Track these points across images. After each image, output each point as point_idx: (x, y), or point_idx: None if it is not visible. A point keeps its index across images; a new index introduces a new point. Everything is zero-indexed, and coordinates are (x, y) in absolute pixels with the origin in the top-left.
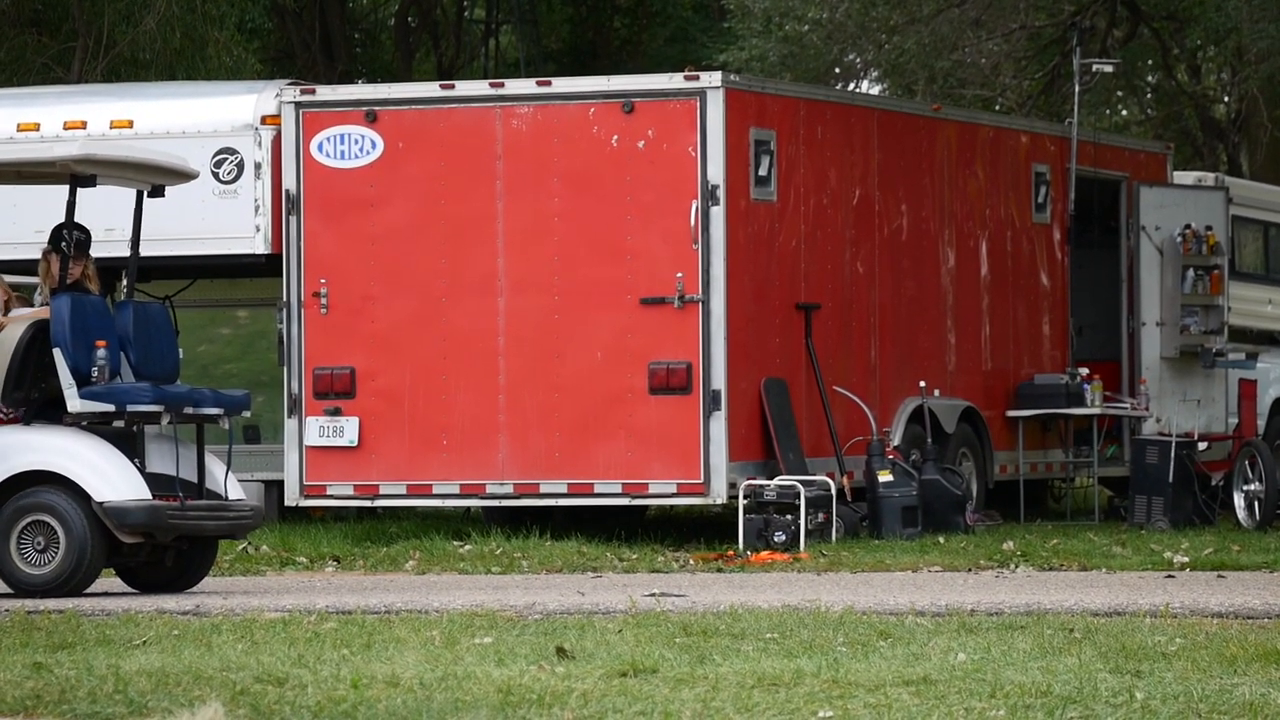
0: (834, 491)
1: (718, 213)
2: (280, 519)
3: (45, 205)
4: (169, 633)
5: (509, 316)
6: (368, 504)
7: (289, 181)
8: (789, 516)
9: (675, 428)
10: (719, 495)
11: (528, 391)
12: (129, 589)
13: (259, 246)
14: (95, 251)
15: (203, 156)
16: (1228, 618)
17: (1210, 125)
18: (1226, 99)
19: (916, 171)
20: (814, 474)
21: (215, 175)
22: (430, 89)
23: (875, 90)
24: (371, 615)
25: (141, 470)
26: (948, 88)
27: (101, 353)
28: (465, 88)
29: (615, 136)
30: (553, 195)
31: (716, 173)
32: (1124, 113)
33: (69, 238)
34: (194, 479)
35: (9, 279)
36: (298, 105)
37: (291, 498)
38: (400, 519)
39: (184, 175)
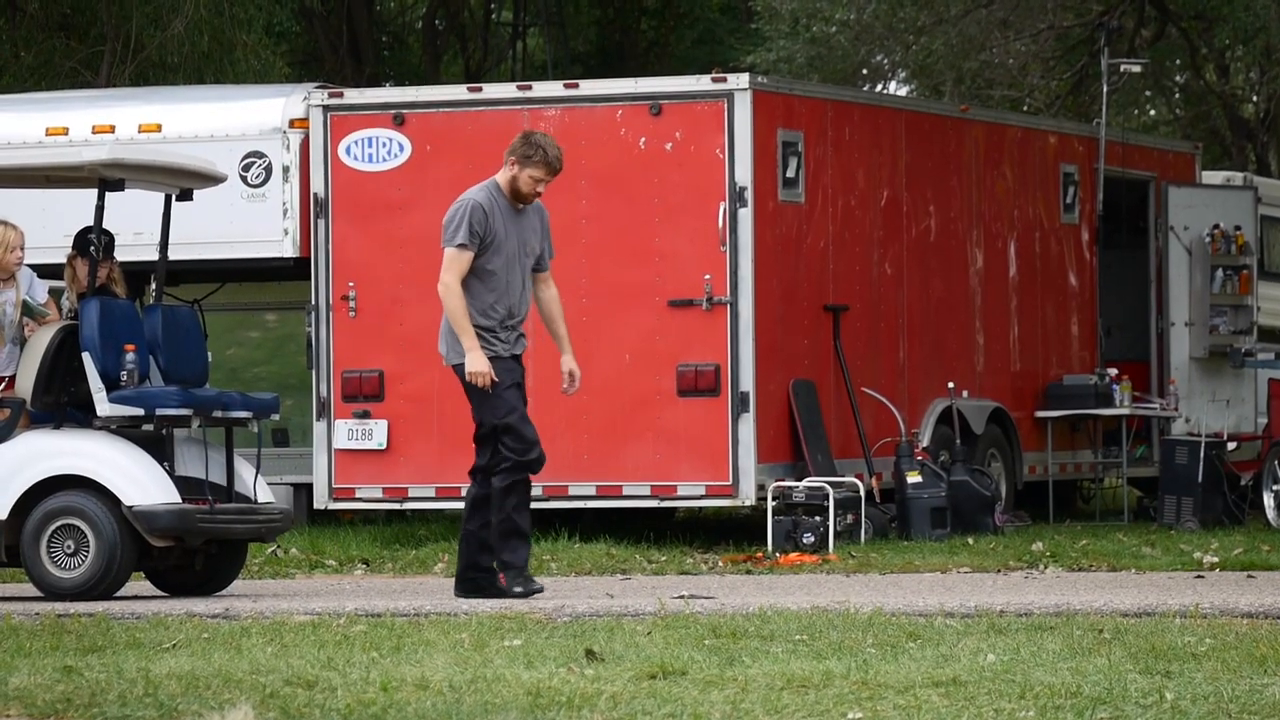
0: (863, 493)
1: (745, 214)
2: (309, 522)
3: (73, 209)
4: (199, 636)
5: (536, 318)
6: (397, 507)
7: (317, 185)
8: (817, 518)
9: (704, 430)
10: (747, 497)
11: (556, 393)
12: (159, 592)
13: (287, 250)
14: (124, 255)
15: (231, 160)
16: (1258, 618)
17: (1239, 125)
18: (1255, 98)
19: (944, 172)
20: (842, 475)
21: (243, 179)
22: (458, 92)
23: (903, 91)
24: (401, 618)
25: (171, 474)
26: (975, 88)
27: (130, 356)
28: (493, 90)
29: (643, 139)
30: (580, 198)
31: (744, 174)
32: (1152, 112)
33: (97, 242)
34: (223, 482)
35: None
36: (325, 108)
37: (320, 501)
38: (429, 521)
39: (212, 179)
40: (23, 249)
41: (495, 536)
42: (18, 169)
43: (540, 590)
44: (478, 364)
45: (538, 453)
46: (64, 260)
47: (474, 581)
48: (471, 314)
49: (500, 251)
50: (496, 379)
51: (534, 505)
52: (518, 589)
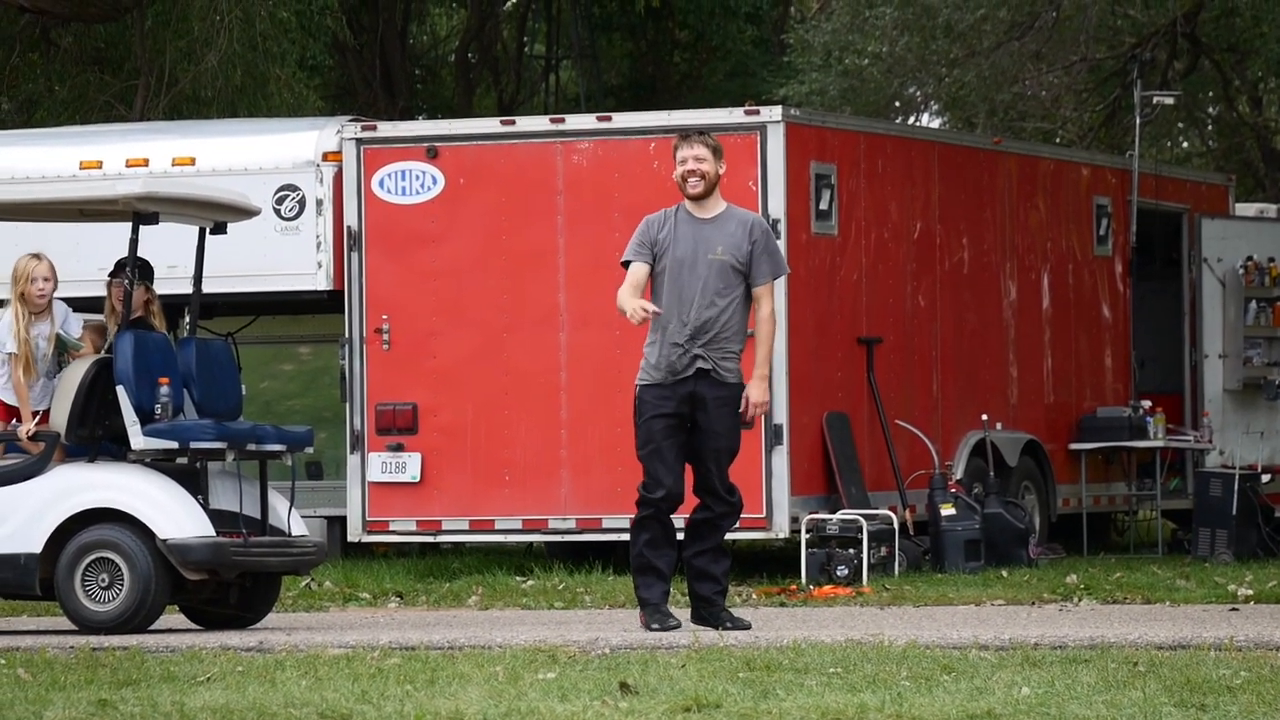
0: (896, 525)
1: (779, 246)
2: (343, 555)
3: (108, 243)
4: (233, 669)
5: (570, 351)
6: (430, 540)
7: (350, 218)
8: (851, 550)
9: (737, 462)
10: (781, 529)
11: (590, 426)
12: (193, 625)
13: (321, 283)
14: (158, 288)
15: (265, 193)
16: None
17: (1272, 157)
18: None
19: (977, 205)
20: (876, 508)
21: (277, 212)
22: (491, 125)
23: (935, 124)
24: (435, 651)
25: (205, 507)
26: (1008, 121)
27: (165, 390)
28: (526, 123)
29: None
30: (614, 230)
31: (777, 207)
32: (1185, 145)
33: (131, 274)
34: (257, 515)
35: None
36: (359, 141)
37: (354, 534)
38: (463, 554)
39: (246, 212)
40: (53, 281)
41: (632, 569)
42: (52, 202)
43: (677, 626)
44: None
45: (663, 493)
46: (99, 293)
47: (696, 611)
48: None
49: (663, 259)
50: (647, 311)
51: (568, 538)
52: (654, 625)
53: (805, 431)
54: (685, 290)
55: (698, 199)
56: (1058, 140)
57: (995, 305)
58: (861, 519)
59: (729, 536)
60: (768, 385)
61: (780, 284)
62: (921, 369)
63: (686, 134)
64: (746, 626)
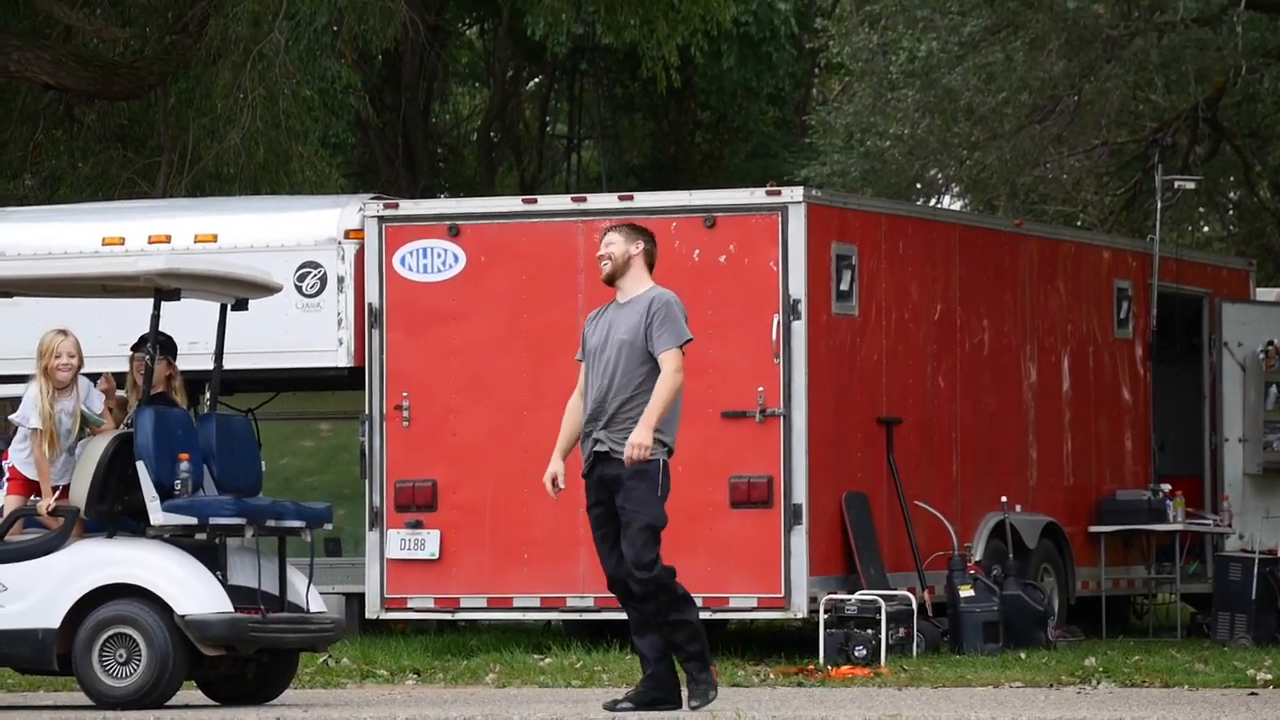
0: (915, 606)
1: (799, 327)
2: (361, 631)
3: (129, 319)
4: None
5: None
6: (448, 617)
7: (372, 295)
8: (870, 631)
9: (756, 541)
10: (800, 609)
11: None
12: (210, 701)
13: (341, 360)
14: (179, 364)
15: (286, 270)
16: None
17: None
18: None
19: (998, 286)
20: (895, 588)
21: (298, 289)
22: (512, 204)
23: (957, 205)
24: None
25: (223, 582)
26: (1029, 203)
27: (184, 466)
28: (547, 202)
29: (697, 251)
30: None
31: (798, 287)
32: (1205, 229)
33: (152, 349)
34: (276, 591)
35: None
36: (381, 219)
37: (372, 610)
38: (481, 632)
39: (267, 289)
40: (78, 357)
41: None
42: (75, 278)
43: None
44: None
45: (609, 581)
46: (119, 369)
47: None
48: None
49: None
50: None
51: (586, 616)
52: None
53: (824, 511)
54: (594, 377)
55: (606, 282)
56: (1079, 223)
57: (1015, 387)
58: (880, 599)
59: (749, 617)
60: (648, 431)
61: (800, 364)
62: (941, 450)
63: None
64: (697, 706)
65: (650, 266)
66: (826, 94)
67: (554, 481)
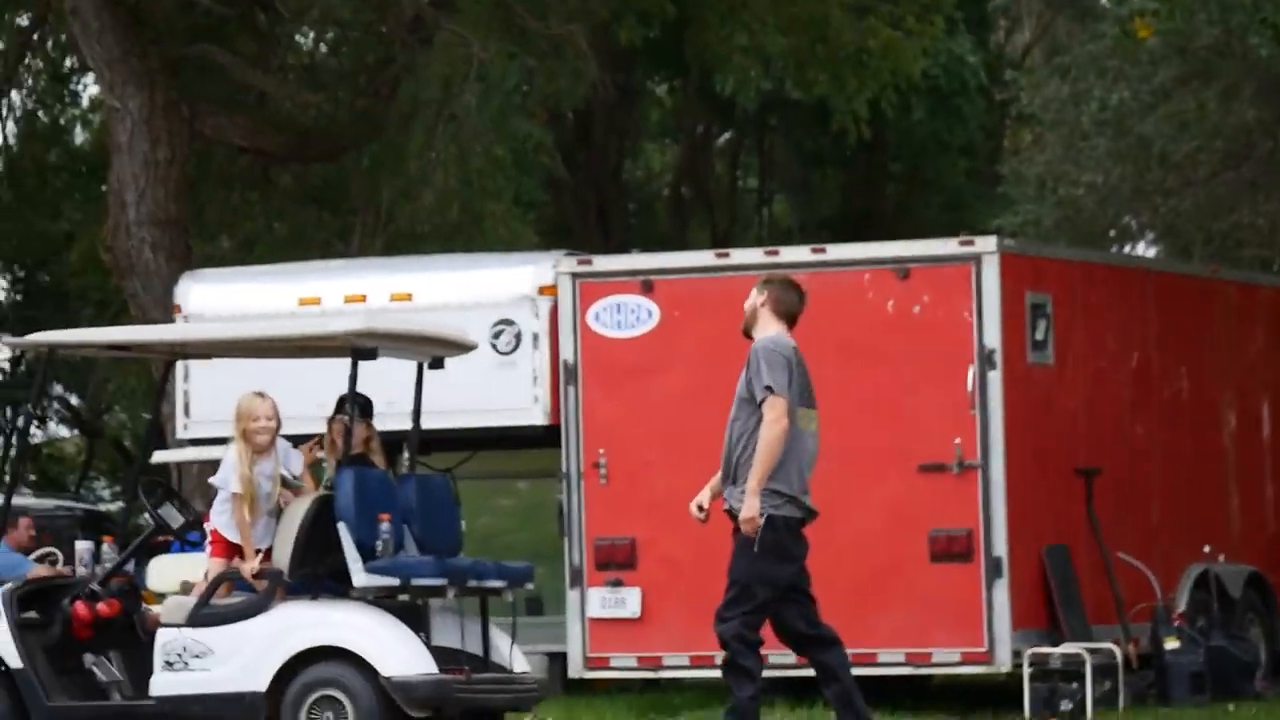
0: (1120, 659)
1: (995, 377)
2: (565, 691)
3: (325, 379)
4: None
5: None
6: (651, 675)
7: (566, 351)
8: (1075, 684)
9: (957, 595)
10: (1004, 663)
11: (808, 558)
12: None
13: (538, 417)
14: (376, 424)
15: (481, 327)
16: None
17: None
18: None
19: (1195, 333)
20: (1098, 641)
21: (494, 346)
22: (705, 258)
23: (1151, 252)
24: None
25: (427, 643)
26: (1225, 249)
27: (385, 527)
28: (740, 256)
29: (890, 302)
30: (827, 362)
31: (993, 337)
32: None
33: (351, 410)
34: (479, 652)
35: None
36: (574, 276)
37: (575, 670)
38: (684, 690)
39: (463, 347)
40: (276, 419)
41: None
42: (272, 340)
43: None
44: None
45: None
46: (317, 429)
47: None
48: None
49: None
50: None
51: (790, 673)
52: None
53: (1025, 564)
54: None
55: (744, 335)
56: (1275, 268)
57: (1215, 434)
58: (1084, 652)
59: (952, 671)
60: (755, 500)
61: (996, 414)
62: (1141, 500)
63: None
64: None
65: (781, 316)
66: (1018, 144)
67: (699, 508)
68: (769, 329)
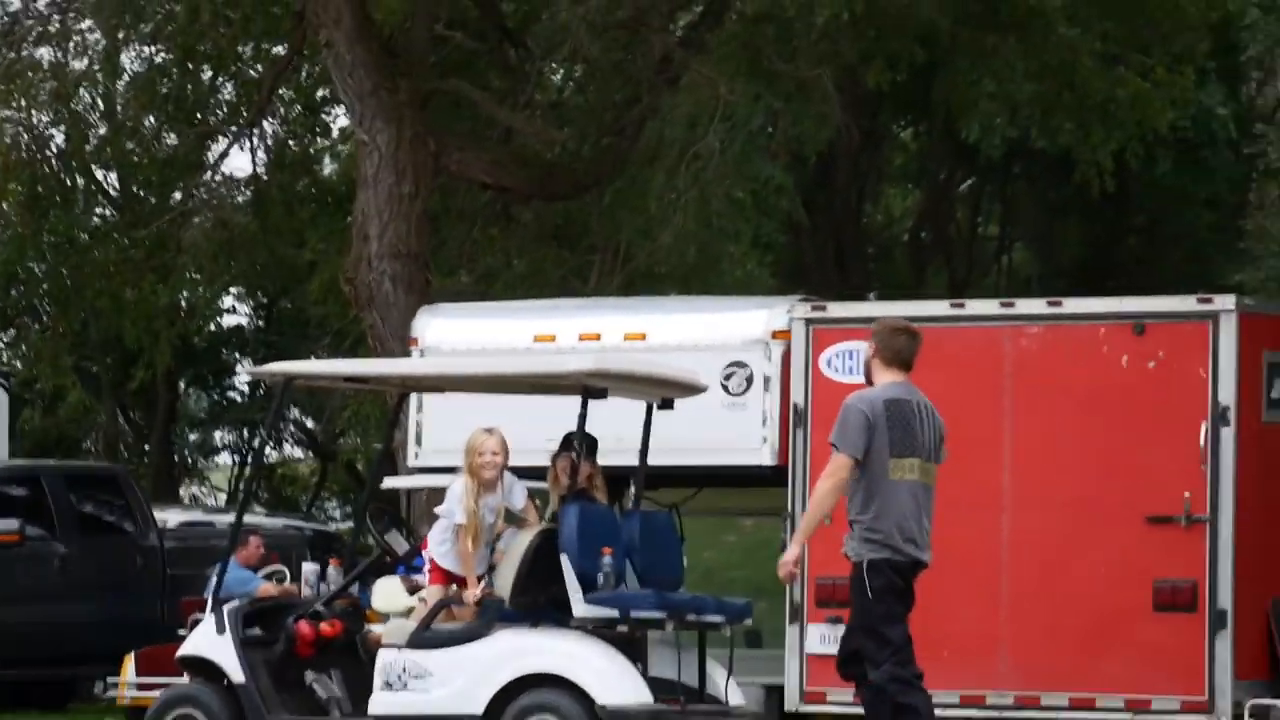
0: None
1: (1228, 434)
2: None
3: (554, 413)
4: None
5: (1012, 531)
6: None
7: (797, 395)
8: None
9: (1179, 645)
10: (1224, 714)
11: (1031, 605)
12: None
13: (765, 458)
14: (604, 460)
15: (713, 369)
16: None
17: None
18: None
19: None
20: None
21: (725, 387)
22: (940, 307)
23: None
24: None
25: (644, 674)
26: None
27: (608, 559)
28: (975, 306)
29: (1125, 356)
30: (1060, 415)
31: (1227, 395)
32: None
33: (579, 448)
34: (695, 684)
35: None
36: (808, 321)
37: (791, 704)
38: None
39: (693, 389)
40: (503, 454)
41: None
42: (508, 376)
43: None
44: None
45: None
46: (542, 463)
47: None
48: None
49: None
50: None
51: (1006, 714)
52: None
53: (1249, 616)
54: None
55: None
56: None
57: None
58: None
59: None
60: (796, 547)
61: (1227, 470)
62: None
63: None
64: None
65: (890, 363)
66: (1263, 199)
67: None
68: (881, 378)
